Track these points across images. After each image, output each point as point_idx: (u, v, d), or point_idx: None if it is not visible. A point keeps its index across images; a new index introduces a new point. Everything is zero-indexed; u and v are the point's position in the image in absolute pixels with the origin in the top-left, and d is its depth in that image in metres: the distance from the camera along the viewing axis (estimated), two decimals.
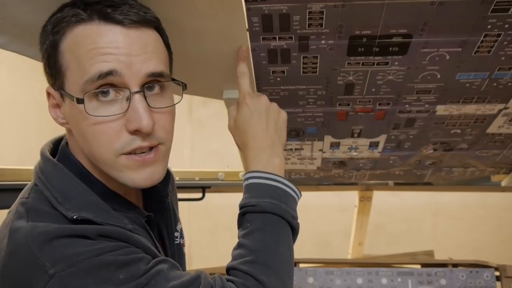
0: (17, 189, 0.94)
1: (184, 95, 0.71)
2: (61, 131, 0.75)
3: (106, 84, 0.60)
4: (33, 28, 0.72)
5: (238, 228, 0.72)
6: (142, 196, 0.78)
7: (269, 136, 0.76)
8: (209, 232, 3.47)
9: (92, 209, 0.62)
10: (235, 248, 0.70)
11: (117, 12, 0.60)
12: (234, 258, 0.68)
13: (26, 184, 0.69)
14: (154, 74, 0.63)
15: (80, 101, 0.60)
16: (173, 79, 0.67)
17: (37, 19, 0.70)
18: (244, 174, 0.75)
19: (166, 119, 0.66)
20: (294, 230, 0.72)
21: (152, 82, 0.63)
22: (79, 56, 0.60)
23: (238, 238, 0.70)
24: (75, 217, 0.60)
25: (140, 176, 0.64)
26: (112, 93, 0.61)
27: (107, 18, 0.60)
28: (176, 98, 0.69)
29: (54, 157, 0.69)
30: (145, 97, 0.61)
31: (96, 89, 0.60)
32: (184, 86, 0.68)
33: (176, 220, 0.85)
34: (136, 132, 0.62)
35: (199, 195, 1.59)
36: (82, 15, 0.61)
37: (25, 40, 0.76)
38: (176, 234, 0.83)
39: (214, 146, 3.55)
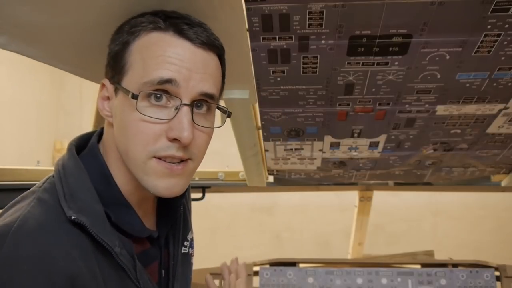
0: (17, 189, 0.94)
1: None
2: (60, 131, 0.75)
3: (162, 90, 0.65)
4: (33, 28, 0.72)
5: None
6: (157, 205, 0.80)
7: None
8: (209, 232, 3.47)
9: (91, 217, 0.64)
10: None
11: (191, 31, 0.67)
12: None
13: (26, 184, 0.70)
14: (206, 95, 0.67)
15: (135, 96, 0.64)
16: (218, 106, 0.72)
17: (37, 19, 0.70)
18: None
19: (203, 138, 0.69)
20: None
21: (202, 101, 0.68)
22: (146, 58, 0.65)
23: None
24: (73, 217, 0.62)
25: (163, 184, 0.67)
26: (164, 99, 0.65)
27: (181, 33, 0.66)
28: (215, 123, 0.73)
29: (78, 152, 0.71)
30: (192, 112, 0.66)
31: (152, 91, 0.64)
32: (229, 114, 0.73)
33: (187, 229, 0.87)
34: (174, 141, 0.65)
35: (199, 195, 1.59)
36: (160, 24, 0.67)
37: (25, 40, 0.76)
38: (186, 243, 0.85)
39: (214, 146, 3.52)
